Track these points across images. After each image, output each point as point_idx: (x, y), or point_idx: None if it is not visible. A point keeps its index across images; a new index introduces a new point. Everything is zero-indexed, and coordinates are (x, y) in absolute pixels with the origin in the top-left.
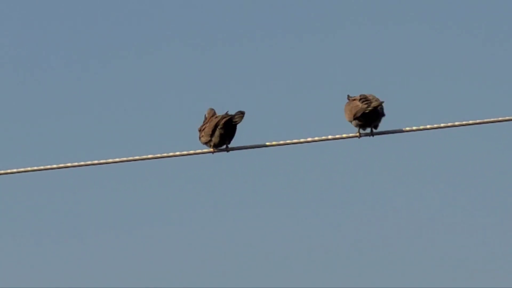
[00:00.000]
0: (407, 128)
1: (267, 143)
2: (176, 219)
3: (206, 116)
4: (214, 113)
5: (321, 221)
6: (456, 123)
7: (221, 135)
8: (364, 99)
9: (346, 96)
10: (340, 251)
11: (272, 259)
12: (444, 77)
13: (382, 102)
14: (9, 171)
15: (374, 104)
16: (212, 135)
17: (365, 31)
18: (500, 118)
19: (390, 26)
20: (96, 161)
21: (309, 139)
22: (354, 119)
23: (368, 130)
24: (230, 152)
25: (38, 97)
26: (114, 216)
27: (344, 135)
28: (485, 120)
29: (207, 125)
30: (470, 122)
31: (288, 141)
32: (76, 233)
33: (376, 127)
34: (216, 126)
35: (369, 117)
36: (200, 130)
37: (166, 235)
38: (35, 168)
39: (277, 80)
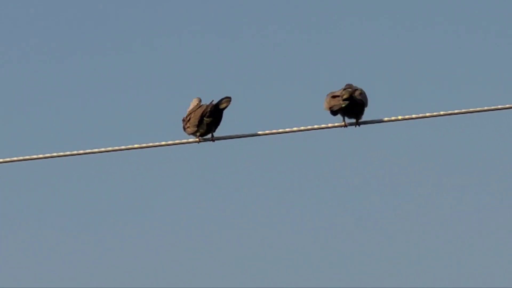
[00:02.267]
0: (392, 118)
1: (253, 133)
2: (161, 210)
3: (191, 105)
4: (199, 103)
5: (309, 211)
6: (442, 113)
7: (207, 124)
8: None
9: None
10: (329, 242)
11: (260, 251)
12: (430, 68)
13: (353, 91)
14: None
15: (345, 96)
16: (198, 125)
17: (354, 25)
18: (486, 108)
19: (377, 22)
20: (81, 151)
21: (295, 128)
22: (331, 111)
23: (353, 119)
24: (216, 141)
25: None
26: (97, 208)
27: (329, 125)
28: (472, 109)
29: (192, 115)
30: (455, 111)
31: (274, 131)
32: (59, 226)
33: (358, 117)
34: (202, 116)
35: (346, 110)
36: (184, 121)
37: (151, 226)
38: (15, 158)
39: (265, 71)
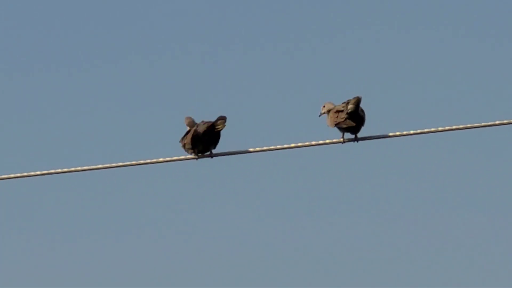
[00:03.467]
0: (391, 134)
1: (251, 149)
2: (160, 224)
3: (186, 124)
4: (192, 122)
5: (305, 226)
6: (440, 128)
7: (203, 143)
8: (344, 107)
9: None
10: (324, 255)
11: (256, 263)
12: (428, 83)
13: (355, 103)
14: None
15: (349, 109)
16: (193, 147)
17: (349, 37)
18: (483, 124)
19: (374, 32)
20: (80, 168)
21: (293, 144)
22: (337, 126)
23: (351, 135)
24: (214, 158)
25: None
26: (98, 223)
27: (327, 141)
28: (470, 125)
29: (185, 138)
30: (453, 127)
31: (272, 147)
32: (59, 239)
33: (358, 131)
34: (193, 138)
35: (351, 123)
36: (182, 142)
37: (151, 240)
38: (18, 175)
39: (262, 86)
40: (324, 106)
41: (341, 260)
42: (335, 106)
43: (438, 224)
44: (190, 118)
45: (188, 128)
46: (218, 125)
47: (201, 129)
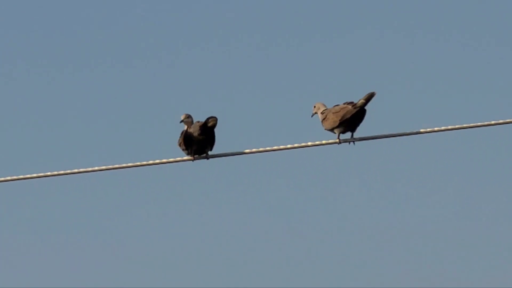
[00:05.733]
0: (387, 133)
1: (247, 150)
2: (157, 226)
3: (182, 119)
4: (190, 121)
5: (301, 226)
6: (435, 129)
7: (197, 143)
8: (348, 104)
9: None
10: (320, 255)
11: (251, 264)
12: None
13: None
14: None
15: (360, 103)
16: (186, 147)
17: (346, 38)
18: (479, 124)
19: (371, 33)
20: (76, 170)
21: (289, 145)
22: (342, 121)
23: (347, 135)
24: (210, 159)
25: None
26: (95, 224)
27: (323, 142)
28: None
29: (180, 139)
30: (449, 127)
31: (268, 148)
32: (56, 241)
33: (355, 130)
34: (185, 138)
35: (355, 119)
36: (179, 144)
37: (148, 242)
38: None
39: (257, 88)
40: (315, 106)
41: (337, 260)
42: (327, 107)
43: (436, 224)
44: (188, 116)
45: (185, 126)
46: (209, 122)
47: (193, 129)
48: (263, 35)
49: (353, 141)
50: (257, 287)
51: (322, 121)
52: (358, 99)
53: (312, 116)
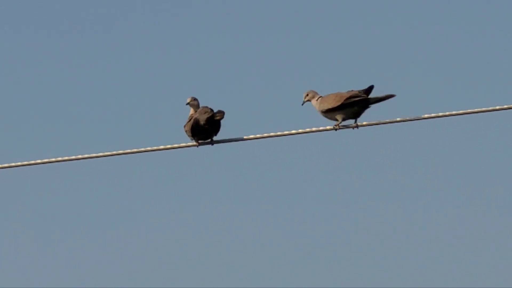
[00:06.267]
0: (387, 120)
1: (252, 136)
2: (162, 212)
3: (189, 103)
4: (196, 104)
5: (303, 213)
6: (433, 115)
7: (204, 131)
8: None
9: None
10: (321, 243)
11: (255, 251)
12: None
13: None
14: None
15: (359, 92)
16: (193, 135)
17: (346, 30)
18: (483, 109)
19: (371, 26)
20: (80, 156)
21: (293, 131)
22: (347, 102)
23: (349, 122)
24: (215, 145)
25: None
26: (100, 210)
27: (321, 128)
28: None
29: (186, 126)
30: (440, 114)
31: (272, 134)
32: (59, 228)
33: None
34: (193, 127)
35: (361, 105)
36: (184, 128)
37: (153, 228)
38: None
39: (260, 75)
40: (307, 94)
41: (337, 247)
42: (321, 96)
43: (436, 215)
44: (194, 99)
45: (191, 110)
46: (217, 116)
47: (201, 119)
48: (265, 24)
49: (357, 126)
50: (260, 271)
51: (319, 105)
52: (358, 91)
53: (302, 104)
